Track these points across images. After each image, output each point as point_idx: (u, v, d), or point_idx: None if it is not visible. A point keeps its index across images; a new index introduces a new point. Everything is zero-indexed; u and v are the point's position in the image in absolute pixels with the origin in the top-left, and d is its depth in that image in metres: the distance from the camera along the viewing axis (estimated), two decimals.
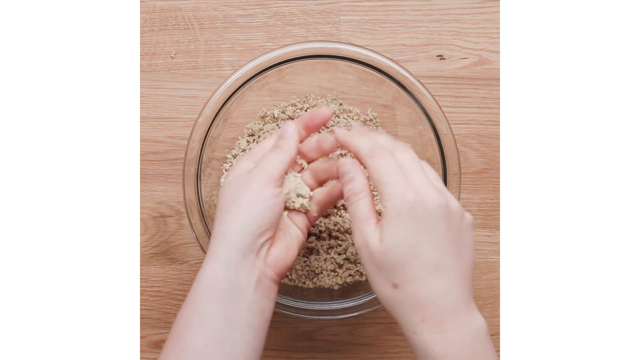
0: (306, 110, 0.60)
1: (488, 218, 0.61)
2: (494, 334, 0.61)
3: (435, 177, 0.44)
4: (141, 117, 0.61)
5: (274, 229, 0.45)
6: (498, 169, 0.61)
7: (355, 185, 0.43)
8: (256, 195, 0.44)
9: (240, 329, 0.42)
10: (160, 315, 0.61)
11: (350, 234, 0.57)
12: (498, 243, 0.61)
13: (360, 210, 0.42)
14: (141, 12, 0.62)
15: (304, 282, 0.57)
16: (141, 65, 0.61)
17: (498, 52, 0.62)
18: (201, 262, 0.60)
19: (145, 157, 0.61)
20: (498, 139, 0.61)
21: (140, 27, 0.62)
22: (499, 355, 0.41)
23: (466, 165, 0.61)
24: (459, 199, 0.54)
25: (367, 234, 0.41)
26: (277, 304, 0.52)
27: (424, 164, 0.44)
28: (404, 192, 0.40)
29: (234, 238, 0.43)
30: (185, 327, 0.42)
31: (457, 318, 0.40)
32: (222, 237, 0.44)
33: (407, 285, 0.40)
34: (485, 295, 0.61)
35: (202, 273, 0.43)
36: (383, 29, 0.62)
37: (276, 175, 0.45)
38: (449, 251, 0.40)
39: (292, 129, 0.46)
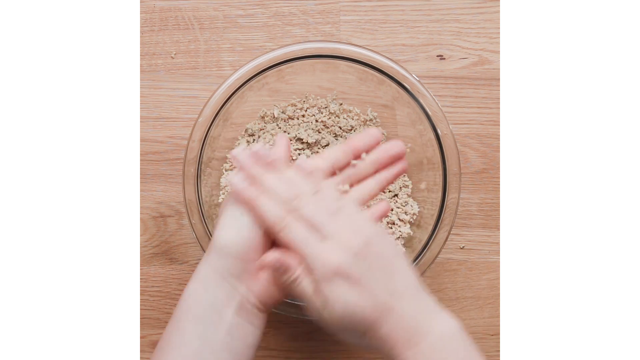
0: (306, 110, 0.60)
1: (488, 218, 0.61)
2: (494, 334, 0.61)
3: (334, 201, 0.43)
4: (141, 117, 0.61)
5: (256, 252, 0.43)
6: (498, 169, 0.61)
7: (290, 273, 0.42)
8: (230, 211, 0.43)
9: (218, 352, 0.42)
10: (160, 315, 0.61)
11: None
12: (498, 243, 0.61)
13: (305, 292, 0.42)
14: (141, 12, 0.62)
15: None
16: (141, 65, 0.61)
17: (498, 52, 0.62)
18: None
19: (145, 157, 0.61)
20: (498, 139, 0.61)
21: (140, 27, 0.62)
22: (477, 350, 0.41)
23: (466, 165, 0.61)
24: (458, 199, 0.54)
25: (320, 309, 0.41)
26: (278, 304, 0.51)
27: (324, 186, 0.43)
28: (324, 258, 0.40)
29: (213, 258, 0.43)
30: (167, 344, 0.42)
31: (420, 330, 0.40)
32: (207, 255, 0.43)
33: (370, 331, 0.41)
34: (485, 295, 0.61)
35: (185, 291, 0.43)
36: (383, 29, 0.62)
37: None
38: (387, 279, 0.41)
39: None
